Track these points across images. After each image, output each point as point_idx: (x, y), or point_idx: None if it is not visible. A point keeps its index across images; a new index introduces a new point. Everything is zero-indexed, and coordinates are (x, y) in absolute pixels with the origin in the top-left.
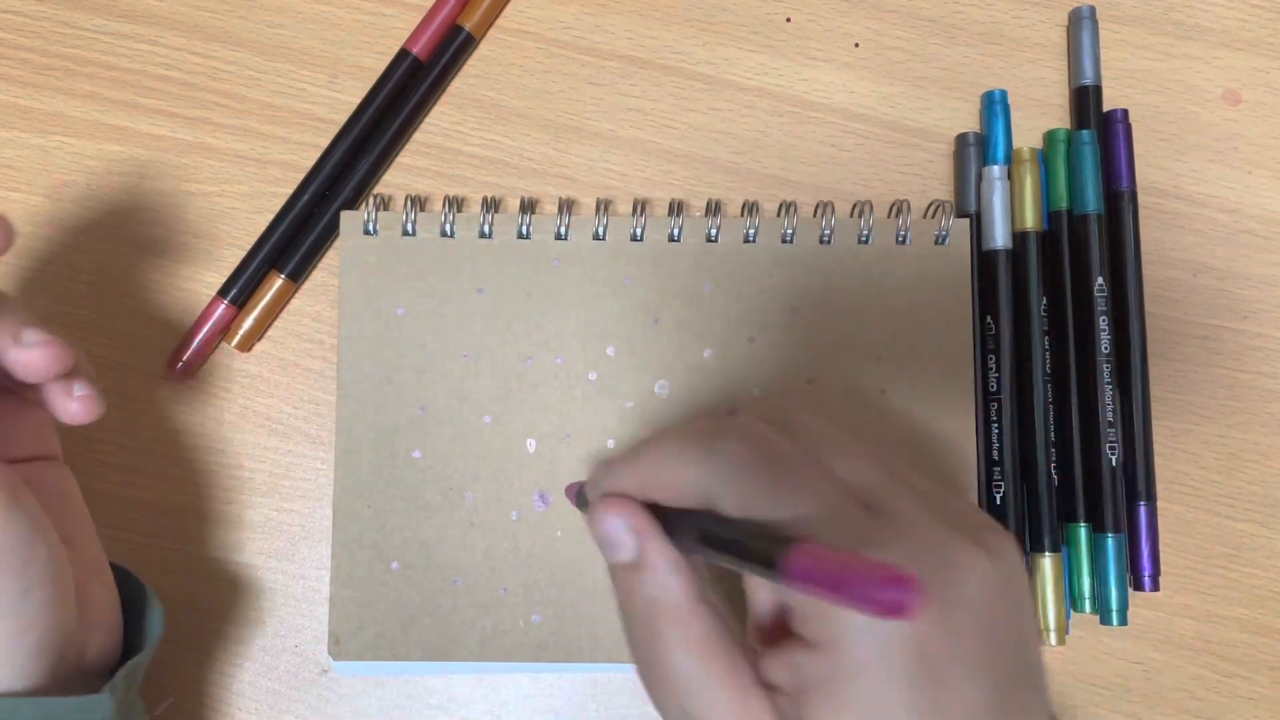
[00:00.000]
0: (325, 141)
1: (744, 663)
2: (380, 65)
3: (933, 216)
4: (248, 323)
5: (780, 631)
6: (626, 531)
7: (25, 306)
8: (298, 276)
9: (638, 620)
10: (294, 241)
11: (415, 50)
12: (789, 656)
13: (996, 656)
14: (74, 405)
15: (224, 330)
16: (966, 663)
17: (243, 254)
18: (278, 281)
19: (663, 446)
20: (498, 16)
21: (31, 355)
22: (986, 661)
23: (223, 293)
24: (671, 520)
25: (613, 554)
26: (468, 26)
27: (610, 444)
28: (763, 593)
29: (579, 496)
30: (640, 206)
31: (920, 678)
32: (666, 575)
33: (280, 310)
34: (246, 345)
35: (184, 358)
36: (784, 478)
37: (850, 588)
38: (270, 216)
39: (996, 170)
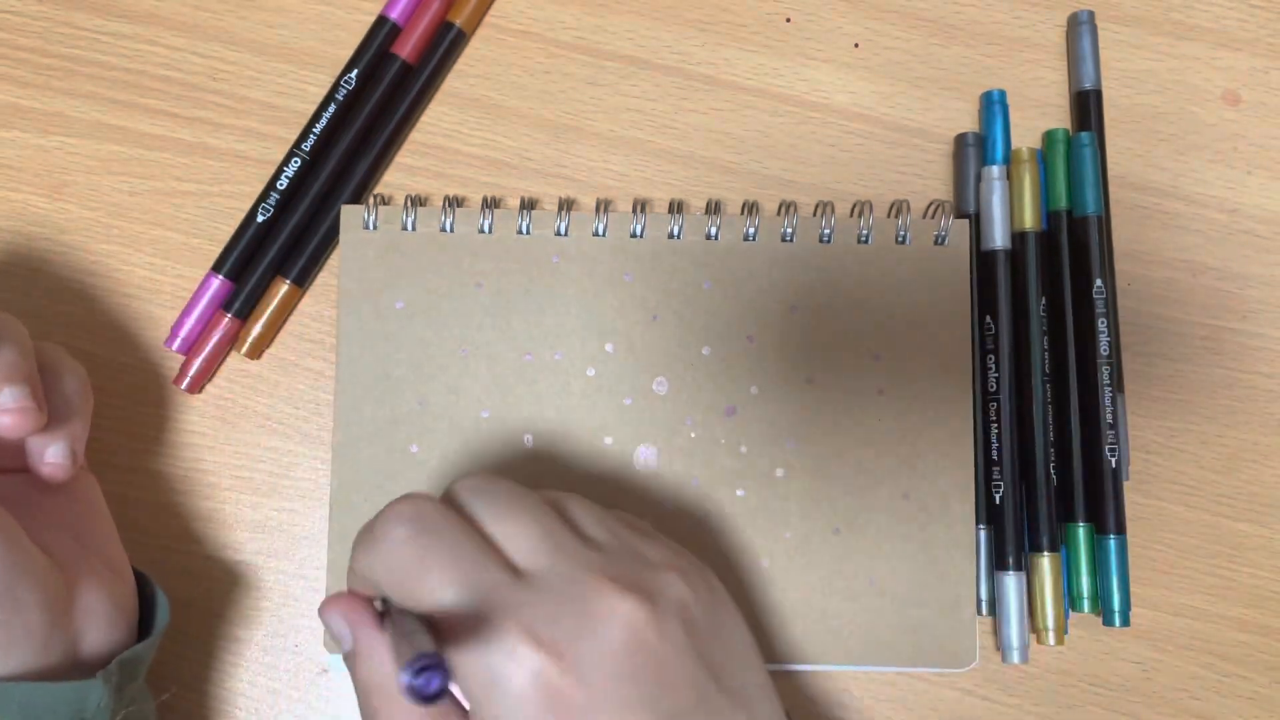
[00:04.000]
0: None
1: None
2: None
3: (932, 216)
4: (256, 330)
5: None
6: (343, 624)
7: (20, 345)
8: (303, 282)
9: (362, 705)
10: (296, 247)
11: (403, 54)
12: None
13: (656, 693)
14: (44, 469)
15: (231, 343)
16: (611, 704)
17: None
18: (284, 288)
19: (355, 541)
20: (487, 11)
21: (2, 419)
22: (638, 699)
23: (226, 306)
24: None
25: (340, 647)
26: (458, 22)
27: (608, 441)
28: None
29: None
30: (640, 206)
31: None
32: (376, 660)
33: (287, 316)
34: (256, 353)
35: (190, 373)
36: (433, 556)
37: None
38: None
39: (995, 170)
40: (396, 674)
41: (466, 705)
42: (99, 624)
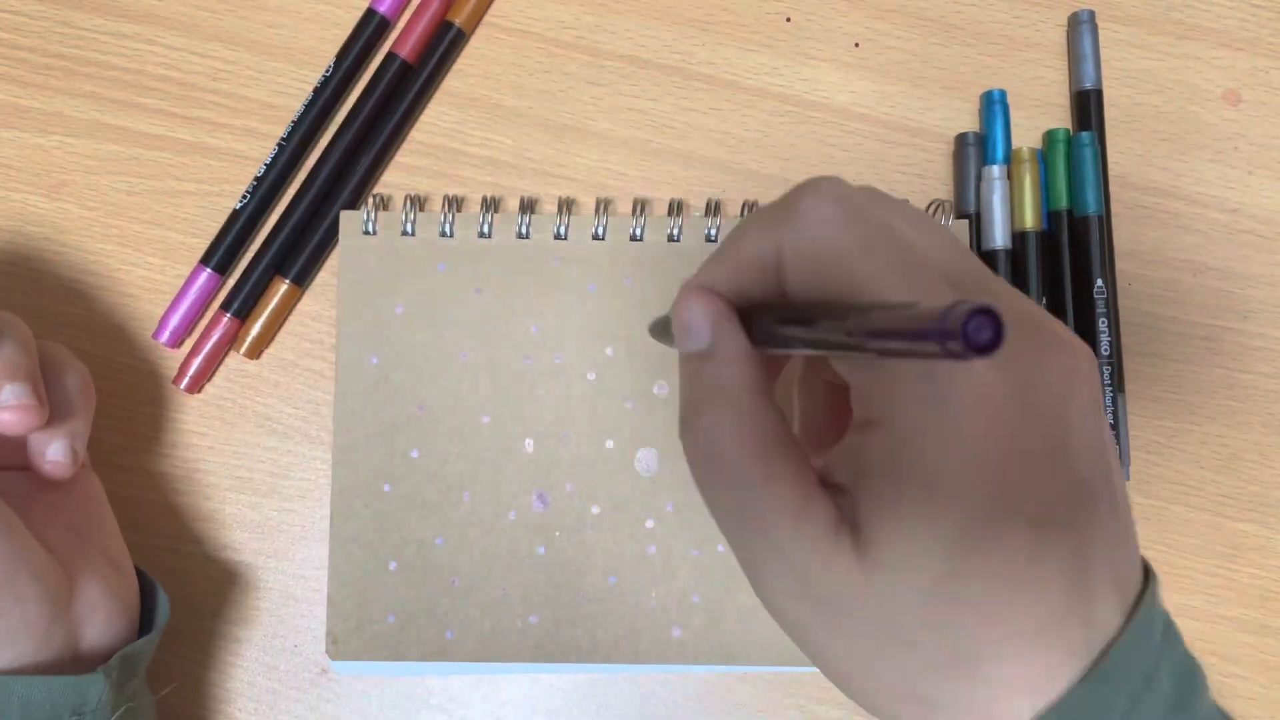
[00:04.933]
0: (327, 141)
1: (804, 463)
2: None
3: (933, 216)
4: (255, 330)
5: (832, 435)
6: (704, 320)
7: (22, 343)
8: (302, 281)
9: (703, 410)
10: (296, 246)
11: (403, 53)
12: (848, 448)
13: (1079, 451)
14: (46, 467)
15: (230, 343)
16: (1040, 452)
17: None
18: (283, 287)
19: (741, 225)
20: (487, 11)
21: (4, 417)
22: (1071, 451)
23: (225, 306)
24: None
25: (688, 343)
26: (458, 22)
27: (609, 444)
28: (814, 398)
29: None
30: (640, 206)
31: (996, 457)
32: (735, 365)
33: (287, 316)
34: (255, 353)
35: (189, 373)
36: (877, 245)
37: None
38: (273, 216)
39: (996, 170)
40: (926, 324)
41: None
42: (100, 619)
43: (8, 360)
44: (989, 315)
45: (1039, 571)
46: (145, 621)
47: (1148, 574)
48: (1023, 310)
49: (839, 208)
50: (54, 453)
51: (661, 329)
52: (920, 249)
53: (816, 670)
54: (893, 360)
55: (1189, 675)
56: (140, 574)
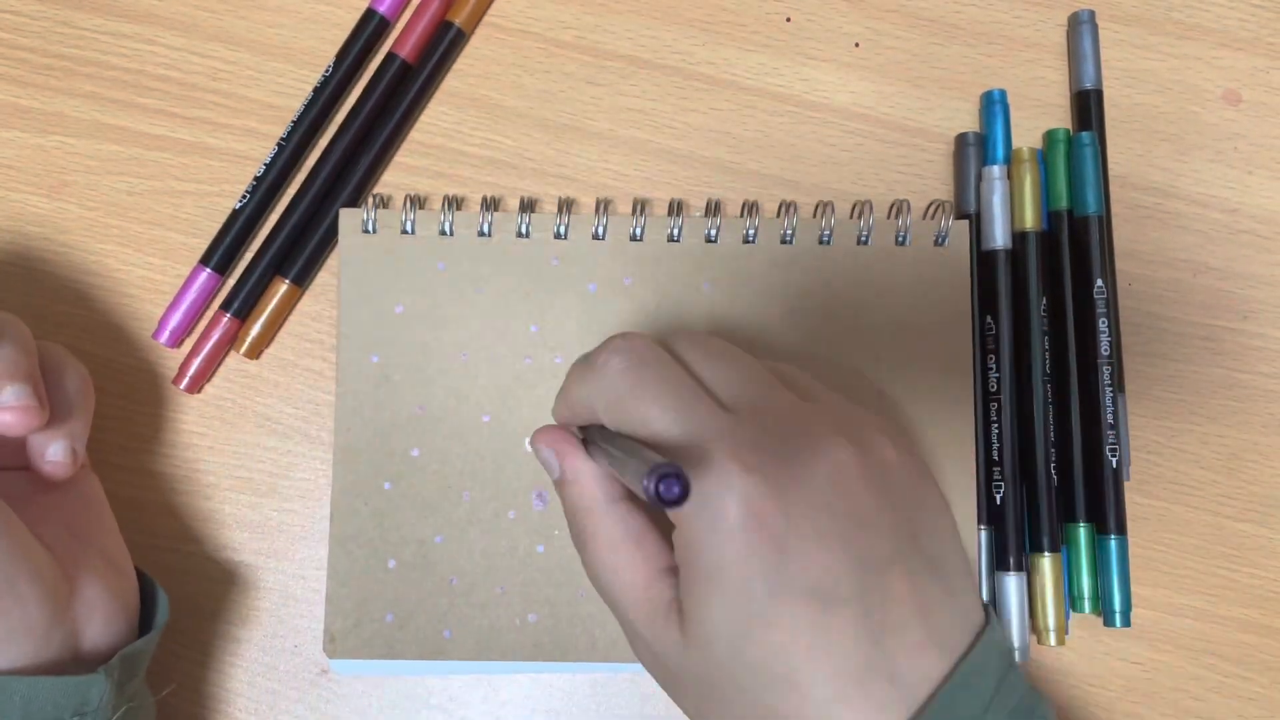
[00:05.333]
0: (326, 141)
1: (654, 551)
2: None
3: (932, 217)
4: (255, 330)
5: None
6: (551, 455)
7: (22, 344)
8: (302, 281)
9: (571, 524)
10: (296, 246)
11: (403, 53)
12: (674, 535)
13: (855, 533)
14: (45, 467)
15: (230, 343)
16: (811, 535)
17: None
18: (283, 287)
19: (568, 373)
20: (486, 11)
21: (4, 418)
22: (838, 535)
23: (225, 306)
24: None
25: (550, 474)
26: (458, 22)
27: None
28: None
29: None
30: (640, 206)
31: (758, 549)
32: (584, 484)
33: (287, 316)
34: (255, 353)
35: (189, 374)
36: (648, 387)
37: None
38: (272, 216)
39: (996, 170)
40: (635, 482)
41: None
42: (100, 619)
43: (7, 361)
44: (675, 477)
45: (828, 638)
46: (145, 622)
47: (988, 618)
48: (791, 415)
49: (622, 361)
50: (53, 453)
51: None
52: (707, 381)
53: None
54: None
55: (1028, 713)
56: (140, 574)
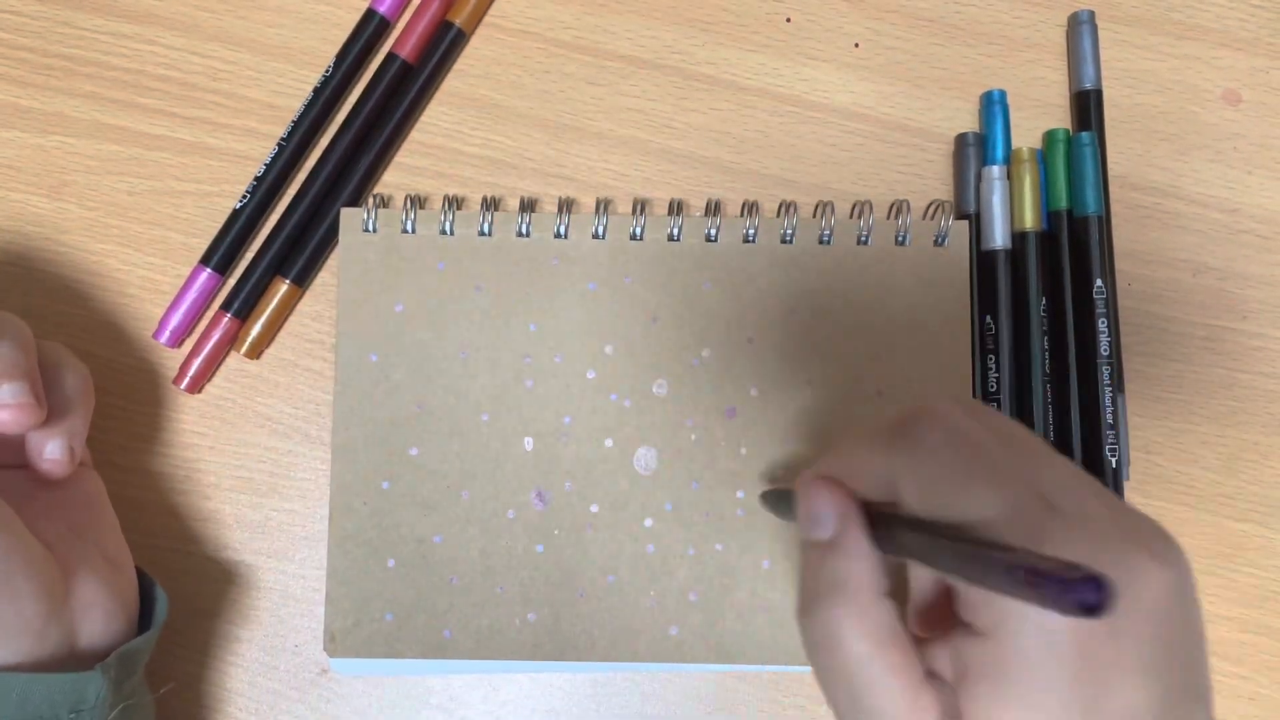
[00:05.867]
0: (327, 141)
1: (915, 657)
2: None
3: (932, 217)
4: (255, 330)
5: (938, 618)
6: (832, 513)
7: (20, 342)
8: (302, 281)
9: (820, 602)
10: (296, 246)
11: (403, 54)
12: (952, 644)
13: (1165, 667)
14: (43, 465)
15: (230, 343)
16: (1132, 669)
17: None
18: (283, 287)
19: (857, 435)
20: (487, 11)
21: (1, 415)
22: (1154, 670)
23: (226, 306)
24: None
25: (813, 530)
26: (458, 22)
27: (608, 443)
28: (925, 579)
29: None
30: (640, 206)
31: (1084, 676)
32: (858, 561)
33: (287, 316)
34: (256, 353)
35: (189, 374)
36: (978, 467)
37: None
38: (273, 216)
39: (996, 170)
40: (963, 569)
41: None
42: (98, 616)
43: (6, 359)
44: (1101, 584)
45: None
46: (144, 620)
47: None
48: (1112, 527)
49: (947, 434)
50: (51, 451)
51: (774, 501)
52: (1018, 471)
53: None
54: None
55: None
56: (139, 573)
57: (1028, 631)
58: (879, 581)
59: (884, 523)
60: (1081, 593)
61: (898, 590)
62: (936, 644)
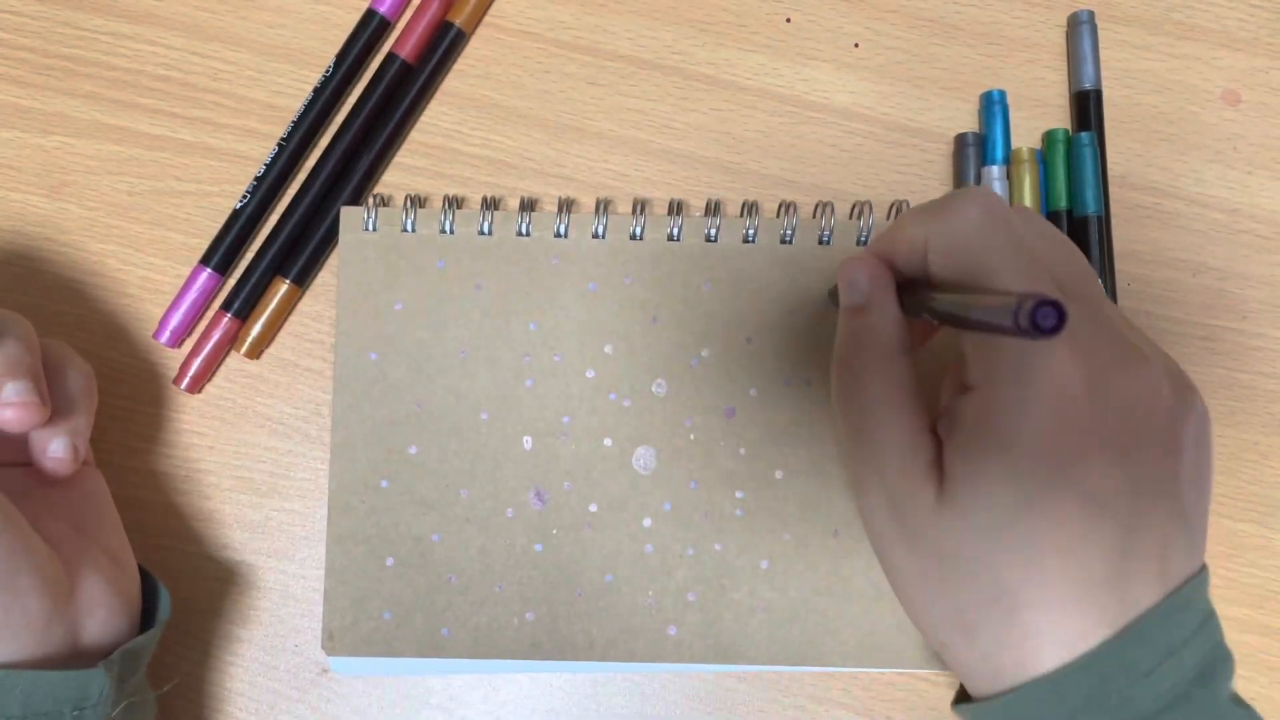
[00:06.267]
0: (327, 141)
1: (922, 407)
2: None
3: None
4: (255, 330)
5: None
6: (865, 278)
7: (24, 340)
8: (302, 281)
9: (844, 358)
10: (296, 246)
11: (403, 54)
12: (948, 405)
13: (1141, 459)
14: (47, 463)
15: (230, 343)
16: (1109, 444)
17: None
18: (283, 287)
19: (902, 215)
20: (487, 11)
21: (5, 414)
22: (1133, 452)
23: (226, 306)
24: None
25: (849, 295)
26: (458, 22)
27: (607, 443)
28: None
29: (831, 292)
30: (640, 206)
31: (1055, 437)
32: (884, 321)
33: (287, 316)
34: (256, 353)
35: (189, 374)
36: (1005, 247)
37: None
38: (273, 216)
39: (995, 170)
40: (986, 312)
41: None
42: (100, 614)
43: (10, 357)
44: (1054, 306)
45: (1084, 544)
46: (147, 618)
47: (1204, 571)
48: (1119, 331)
49: (980, 212)
50: (55, 449)
51: (833, 294)
52: (1041, 256)
53: (815, 670)
54: (995, 338)
55: (1218, 661)
56: (142, 571)
57: (1009, 380)
58: (902, 338)
59: (911, 289)
60: (1040, 315)
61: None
62: (940, 414)
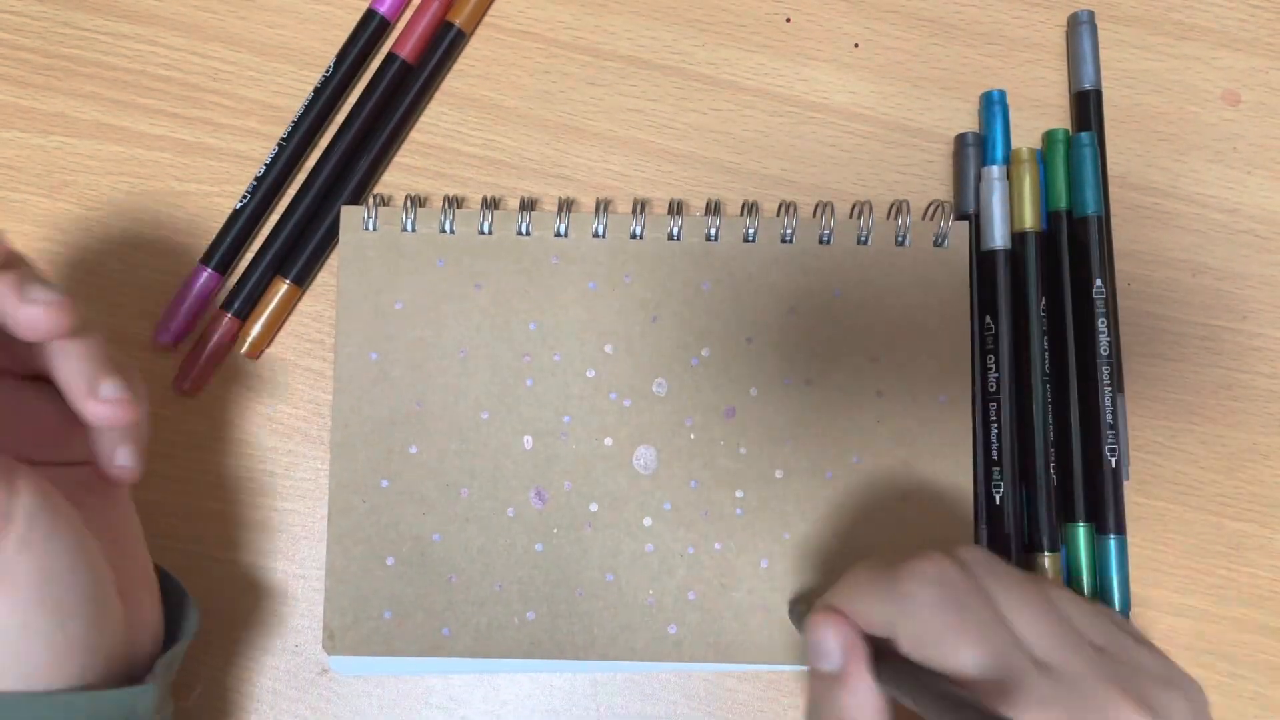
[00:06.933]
0: (327, 141)
1: None
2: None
3: (931, 217)
4: (255, 330)
5: None
6: (837, 646)
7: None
8: (302, 281)
9: (816, 713)
10: (296, 246)
11: (403, 54)
12: None
13: None
14: (114, 470)
15: (230, 343)
16: None
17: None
18: (283, 287)
19: (861, 575)
20: (486, 11)
21: (32, 311)
22: None
23: (226, 305)
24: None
25: (819, 661)
26: (458, 22)
27: (607, 442)
28: None
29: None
30: (640, 206)
31: None
32: (860, 697)
33: (287, 316)
34: (256, 352)
35: (190, 373)
36: (962, 626)
37: None
38: (273, 216)
39: (995, 170)
40: (931, 713)
41: None
42: (148, 632)
43: (103, 354)
44: None
45: None
46: (169, 626)
47: None
48: (1097, 691)
49: (938, 592)
50: (124, 457)
51: (800, 618)
52: (1014, 624)
53: None
54: None
55: None
56: (168, 577)
57: None
58: (880, 716)
59: (885, 659)
60: None
61: None
62: None
